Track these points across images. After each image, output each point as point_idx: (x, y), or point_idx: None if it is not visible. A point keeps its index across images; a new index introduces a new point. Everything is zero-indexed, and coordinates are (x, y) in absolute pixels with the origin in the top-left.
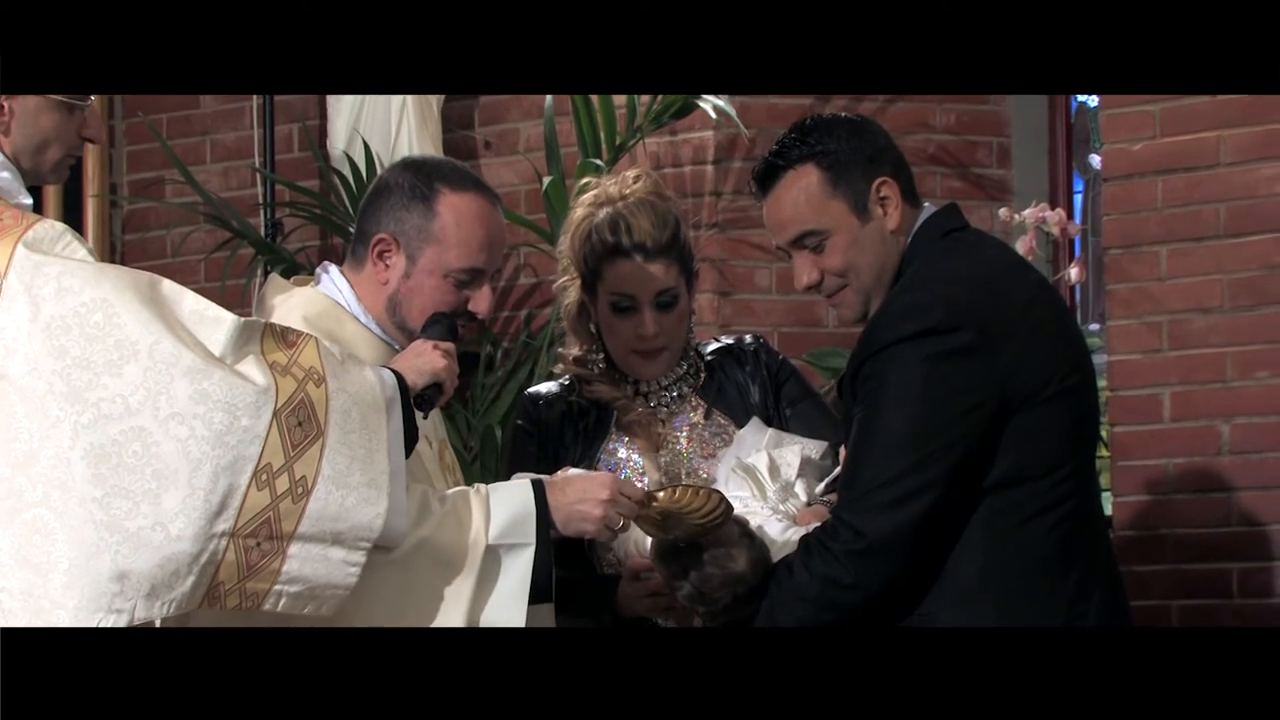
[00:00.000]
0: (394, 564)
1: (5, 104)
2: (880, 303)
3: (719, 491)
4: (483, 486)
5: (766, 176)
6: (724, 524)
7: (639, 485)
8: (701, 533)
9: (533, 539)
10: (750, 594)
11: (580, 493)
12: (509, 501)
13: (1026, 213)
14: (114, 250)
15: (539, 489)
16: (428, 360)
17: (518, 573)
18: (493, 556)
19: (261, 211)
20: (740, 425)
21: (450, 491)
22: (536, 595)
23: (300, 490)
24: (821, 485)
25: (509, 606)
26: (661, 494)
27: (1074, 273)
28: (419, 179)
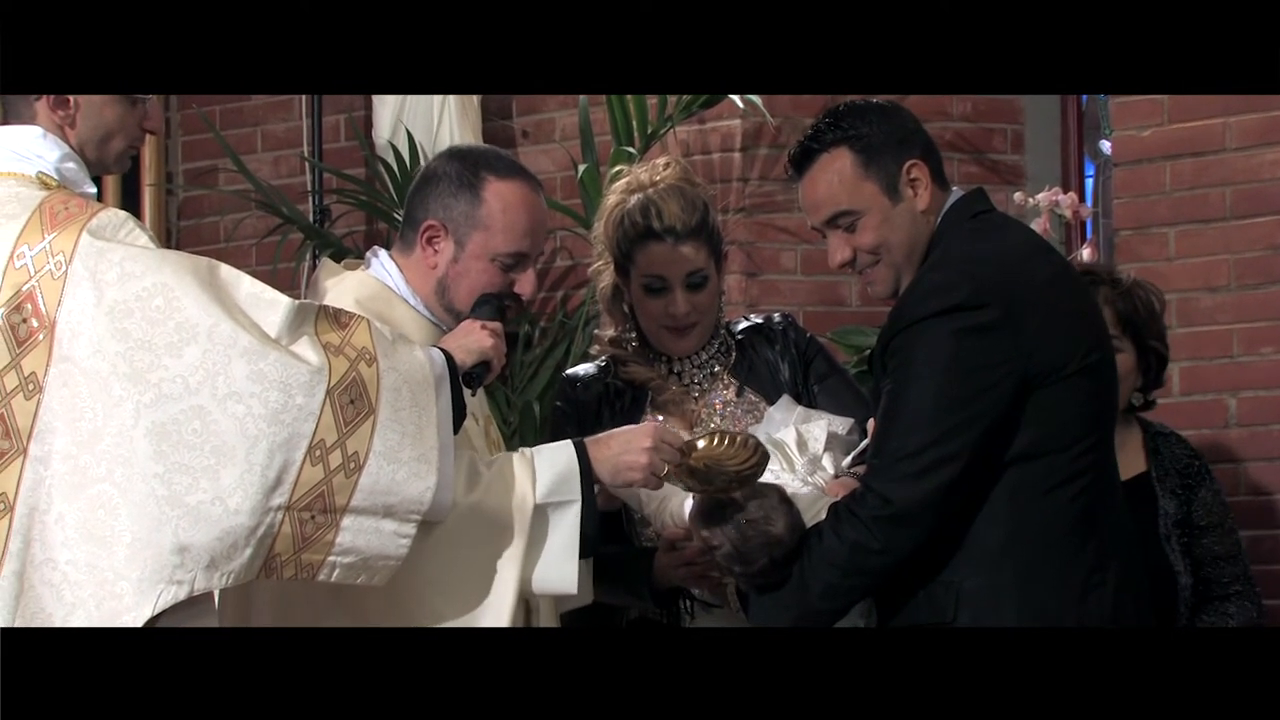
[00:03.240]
0: (447, 528)
1: (71, 98)
2: (908, 276)
3: (755, 438)
4: (527, 450)
5: (802, 159)
6: (759, 471)
7: (679, 434)
8: (739, 483)
9: (579, 495)
10: (786, 558)
11: (624, 444)
12: (553, 461)
13: (1040, 196)
14: (169, 236)
15: (581, 447)
16: (475, 339)
17: (566, 529)
18: (541, 515)
19: (310, 198)
20: (771, 402)
21: (496, 456)
22: (584, 550)
23: (353, 465)
24: (848, 459)
25: (560, 563)
26: (701, 443)
27: (1086, 254)
28: (465, 167)
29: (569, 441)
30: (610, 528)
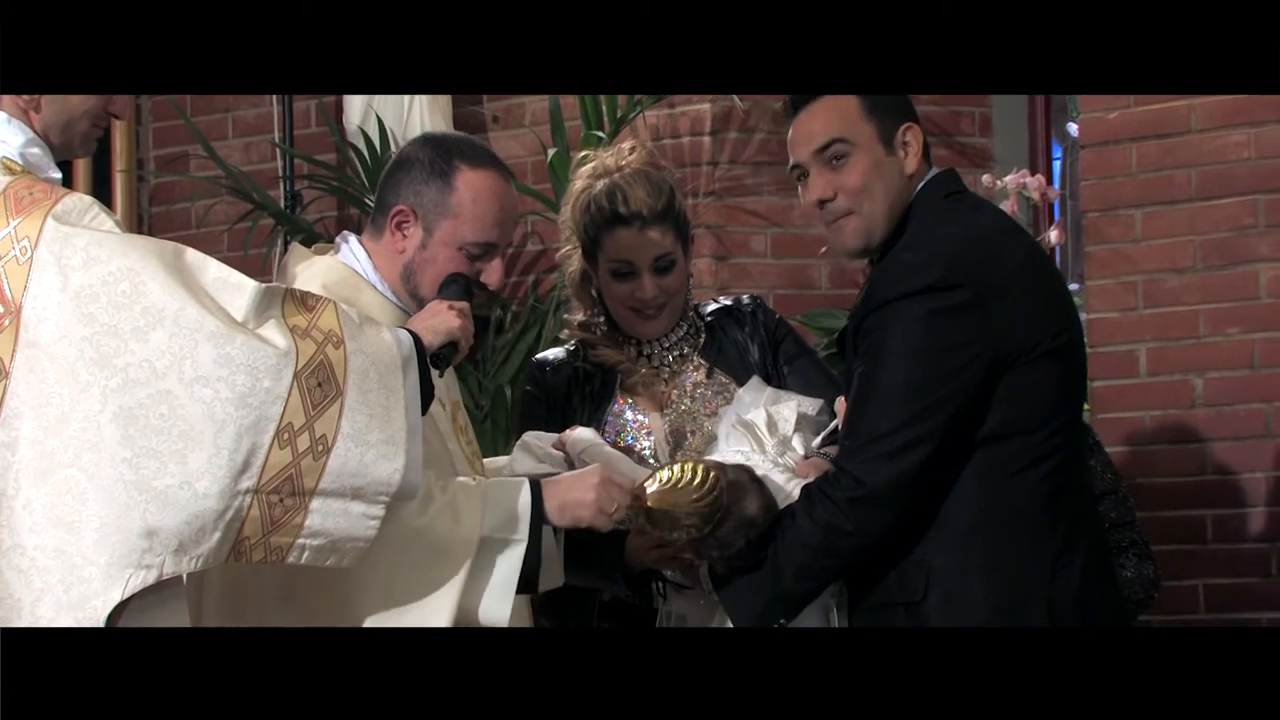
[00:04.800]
0: (392, 549)
1: None
2: (879, 236)
3: (709, 463)
4: (483, 480)
5: (804, 98)
6: (718, 505)
7: (632, 476)
8: (700, 521)
9: (525, 536)
10: (760, 539)
11: (571, 483)
12: (506, 497)
13: (1008, 179)
14: (141, 222)
15: (536, 487)
16: (443, 320)
17: (508, 567)
18: (487, 548)
19: (281, 184)
20: (741, 383)
21: (455, 481)
22: (524, 588)
23: (321, 448)
24: (818, 439)
25: (497, 600)
26: (652, 485)
27: (1053, 235)
28: (438, 154)
29: (525, 481)
30: None
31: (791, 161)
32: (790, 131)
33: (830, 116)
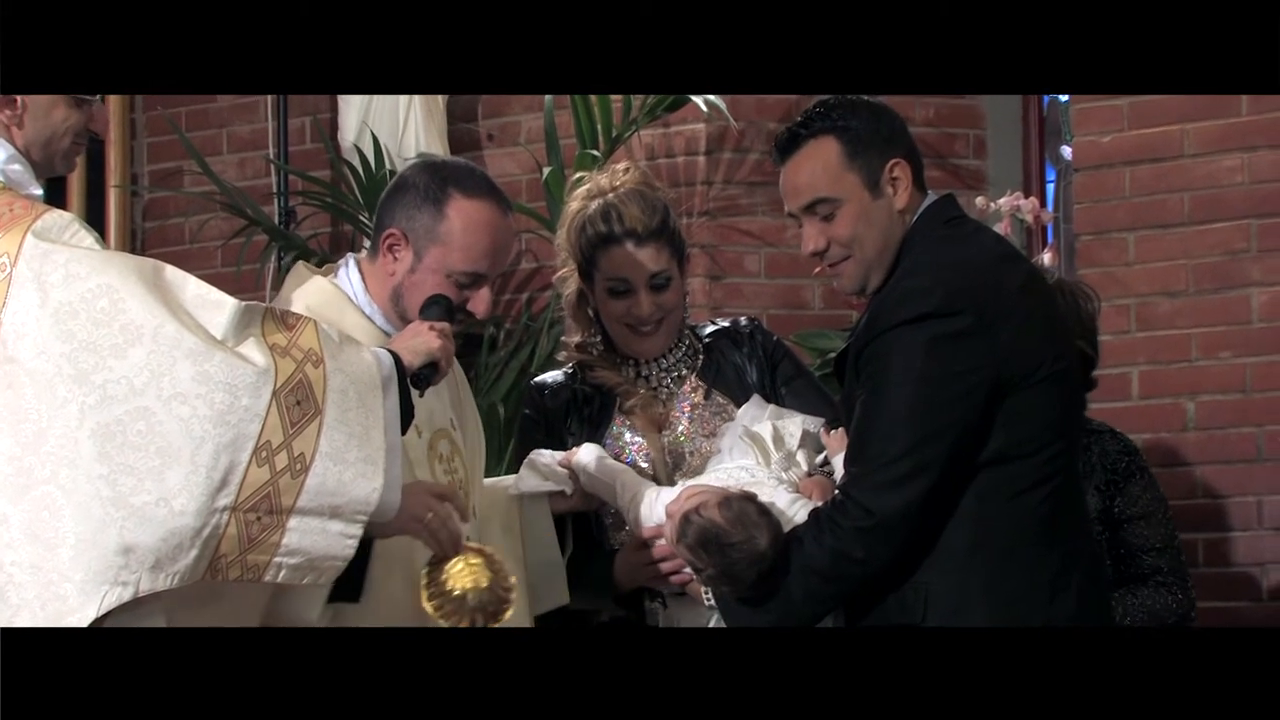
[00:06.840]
0: None
1: (19, 98)
2: (878, 278)
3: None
4: None
5: (788, 144)
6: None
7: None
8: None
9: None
10: (771, 569)
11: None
12: None
13: (1002, 201)
14: (134, 237)
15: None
16: (424, 341)
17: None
18: None
19: (275, 200)
20: (739, 404)
21: None
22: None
23: (299, 466)
24: (821, 456)
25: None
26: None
27: (1047, 258)
28: (433, 181)
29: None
30: (580, 530)
31: (786, 208)
32: (780, 179)
33: (813, 171)
